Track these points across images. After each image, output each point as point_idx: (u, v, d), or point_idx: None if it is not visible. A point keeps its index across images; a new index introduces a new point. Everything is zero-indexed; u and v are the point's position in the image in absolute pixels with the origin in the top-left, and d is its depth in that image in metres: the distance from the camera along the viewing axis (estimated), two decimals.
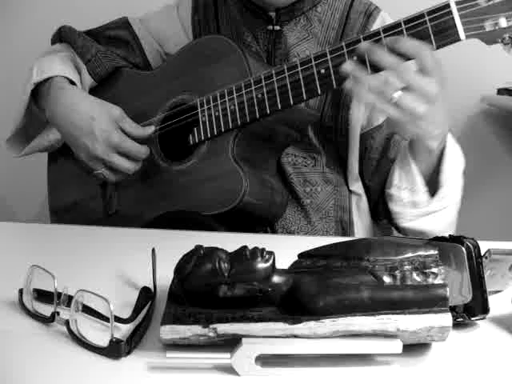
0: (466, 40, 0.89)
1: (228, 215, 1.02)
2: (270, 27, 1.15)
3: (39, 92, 1.18)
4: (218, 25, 1.21)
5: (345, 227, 1.19)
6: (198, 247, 0.65)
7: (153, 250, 0.76)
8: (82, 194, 1.23)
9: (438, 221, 1.06)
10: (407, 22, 0.90)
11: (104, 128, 1.09)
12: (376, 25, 1.13)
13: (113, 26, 1.29)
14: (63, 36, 1.26)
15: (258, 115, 1.02)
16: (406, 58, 0.88)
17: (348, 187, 1.20)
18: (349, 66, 0.91)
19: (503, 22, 0.86)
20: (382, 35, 0.91)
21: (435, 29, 0.89)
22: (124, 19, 1.29)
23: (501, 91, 1.70)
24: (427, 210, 1.05)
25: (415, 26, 0.90)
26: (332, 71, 0.96)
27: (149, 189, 1.14)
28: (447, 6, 0.88)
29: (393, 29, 0.91)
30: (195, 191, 1.07)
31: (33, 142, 1.25)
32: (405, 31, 0.90)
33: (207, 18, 1.22)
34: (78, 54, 1.21)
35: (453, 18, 0.88)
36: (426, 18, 0.89)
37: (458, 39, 0.89)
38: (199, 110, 1.08)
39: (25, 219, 1.12)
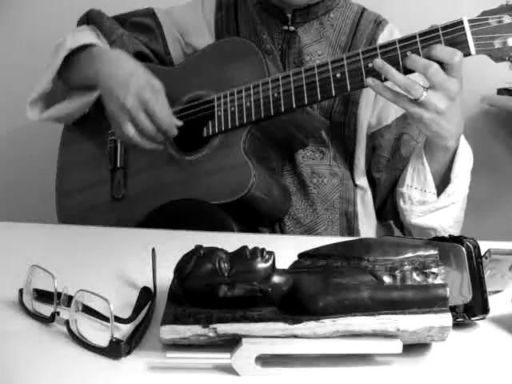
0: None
1: (234, 206, 1.05)
2: (286, 27, 1.20)
3: (69, 61, 1.18)
4: (237, 25, 1.25)
5: (349, 219, 1.22)
6: (198, 247, 0.65)
7: (153, 250, 0.76)
8: (91, 178, 1.25)
9: (445, 216, 1.09)
10: (422, 34, 0.96)
11: (139, 84, 1.09)
12: (384, 34, 1.20)
13: (138, 13, 1.33)
14: (90, 18, 1.29)
15: (272, 112, 1.06)
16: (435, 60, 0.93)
17: (354, 181, 1.23)
18: (380, 62, 0.96)
19: (511, 42, 0.93)
20: (398, 45, 0.97)
21: (448, 43, 0.94)
22: (150, 8, 1.33)
23: (501, 91, 1.70)
24: (435, 205, 1.08)
25: (429, 39, 0.95)
26: (347, 76, 1.00)
27: (157, 176, 1.16)
28: (460, 22, 0.94)
29: (408, 40, 0.97)
30: (204, 181, 1.10)
31: (53, 108, 1.25)
32: (419, 43, 0.95)
33: (228, 17, 1.26)
34: (104, 35, 1.24)
35: (465, 34, 0.94)
36: (440, 33, 0.95)
37: (469, 54, 0.94)
38: (215, 103, 1.12)
39: (25, 219, 1.12)
